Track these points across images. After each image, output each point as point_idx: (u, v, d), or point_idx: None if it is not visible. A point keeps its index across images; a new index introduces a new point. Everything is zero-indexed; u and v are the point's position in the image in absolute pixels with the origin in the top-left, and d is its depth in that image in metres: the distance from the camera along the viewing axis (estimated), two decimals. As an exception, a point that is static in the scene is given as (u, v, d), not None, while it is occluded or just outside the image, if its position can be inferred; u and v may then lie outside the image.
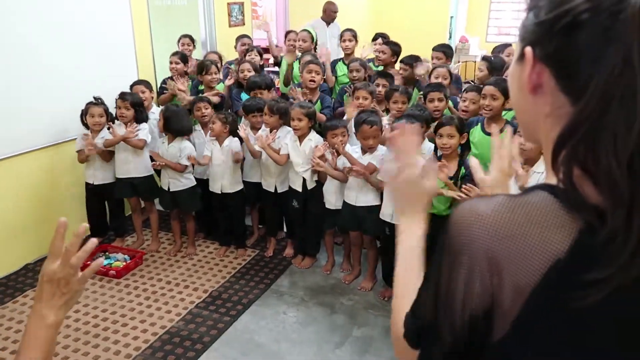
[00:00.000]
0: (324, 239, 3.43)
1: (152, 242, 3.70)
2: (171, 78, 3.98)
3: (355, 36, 4.36)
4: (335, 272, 3.40)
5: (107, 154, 3.48)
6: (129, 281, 3.26)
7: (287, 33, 4.87)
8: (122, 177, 3.52)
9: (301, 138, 3.19)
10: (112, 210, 3.74)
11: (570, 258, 0.57)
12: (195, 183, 3.51)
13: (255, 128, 3.45)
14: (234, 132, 3.39)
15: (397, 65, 4.30)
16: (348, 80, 4.01)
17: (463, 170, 2.58)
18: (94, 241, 0.89)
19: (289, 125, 3.26)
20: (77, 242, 0.88)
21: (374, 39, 4.59)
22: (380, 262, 3.20)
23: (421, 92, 3.50)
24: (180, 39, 4.46)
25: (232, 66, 4.44)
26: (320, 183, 3.23)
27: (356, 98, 3.29)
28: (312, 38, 4.41)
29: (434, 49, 4.11)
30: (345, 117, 3.29)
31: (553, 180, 0.62)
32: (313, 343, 2.71)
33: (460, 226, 0.63)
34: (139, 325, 2.83)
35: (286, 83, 4.19)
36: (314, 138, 3.18)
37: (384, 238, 3.01)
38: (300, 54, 4.40)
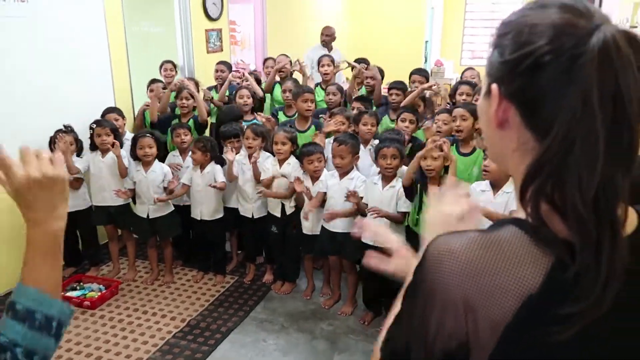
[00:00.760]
0: (303, 264, 3.41)
1: (129, 270, 3.63)
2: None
3: (333, 61, 4.43)
4: (315, 297, 3.37)
5: (76, 182, 3.42)
6: (104, 312, 3.18)
7: (265, 60, 4.92)
8: (98, 205, 3.46)
9: (281, 162, 3.20)
10: (84, 238, 3.66)
11: (542, 293, 0.57)
12: (173, 208, 3.47)
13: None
14: (215, 158, 3.37)
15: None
16: (327, 105, 4.08)
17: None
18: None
19: (267, 149, 3.28)
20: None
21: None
22: (360, 286, 3.18)
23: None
24: (162, 64, 4.47)
25: (212, 92, 4.47)
26: (298, 208, 3.23)
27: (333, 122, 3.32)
28: (291, 62, 4.47)
29: (412, 73, 4.20)
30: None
31: (522, 214, 0.63)
32: (293, 371, 2.67)
33: (432, 262, 0.63)
34: (114, 358, 2.75)
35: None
36: (292, 162, 3.19)
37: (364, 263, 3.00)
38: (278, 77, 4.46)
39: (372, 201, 2.88)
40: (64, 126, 3.39)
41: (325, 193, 3.04)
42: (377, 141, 3.06)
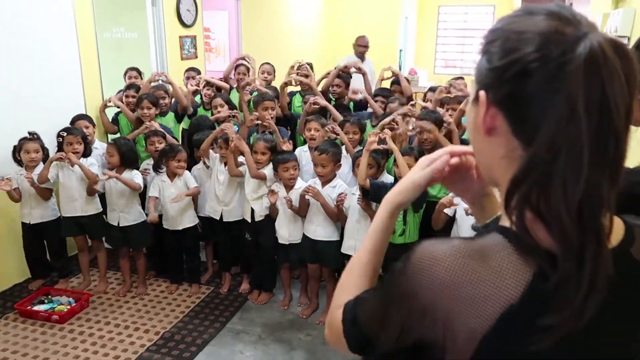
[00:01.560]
0: (280, 274, 3.37)
1: (100, 282, 3.52)
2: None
3: (312, 69, 4.41)
4: (293, 306, 3.33)
5: (46, 192, 3.31)
6: (74, 326, 3.07)
7: (237, 66, 4.85)
8: (67, 216, 3.35)
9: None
10: (52, 250, 3.54)
11: (523, 304, 0.57)
12: (145, 218, 3.39)
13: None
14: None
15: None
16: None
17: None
18: None
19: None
20: None
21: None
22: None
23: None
24: (126, 71, 4.38)
25: None
26: (269, 216, 3.19)
27: (308, 130, 3.30)
28: (274, 70, 4.46)
29: (392, 83, 4.22)
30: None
31: (507, 222, 0.62)
32: (271, 383, 2.62)
33: (416, 267, 0.63)
34: (85, 373, 2.66)
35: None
36: (267, 170, 3.15)
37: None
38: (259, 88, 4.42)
39: (352, 210, 2.87)
40: (29, 133, 3.27)
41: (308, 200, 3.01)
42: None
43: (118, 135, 3.92)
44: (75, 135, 3.27)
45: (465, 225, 2.51)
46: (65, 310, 3.13)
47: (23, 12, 3.47)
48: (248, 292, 3.46)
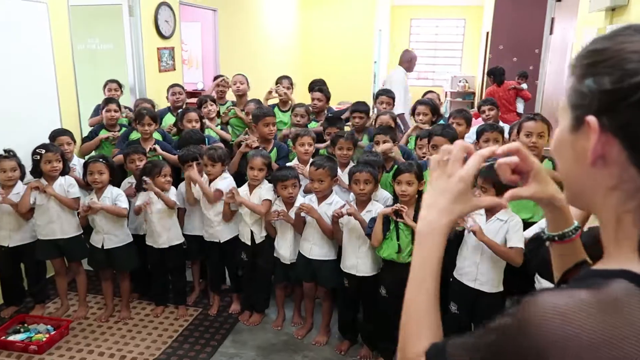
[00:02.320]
0: (274, 293, 3.25)
1: (80, 307, 3.32)
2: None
3: (292, 83, 4.36)
4: (286, 327, 3.21)
5: (28, 213, 3.11)
6: (54, 356, 2.86)
7: (215, 78, 4.77)
8: (45, 239, 3.15)
9: (252, 188, 3.06)
10: (29, 273, 3.32)
11: None
12: (132, 240, 3.22)
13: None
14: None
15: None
16: (285, 125, 4.01)
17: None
18: None
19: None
20: None
21: (311, 89, 4.60)
22: (334, 314, 3.06)
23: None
24: (106, 84, 4.21)
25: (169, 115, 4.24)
26: (269, 237, 3.09)
27: (300, 145, 3.22)
28: (247, 80, 4.36)
29: (379, 94, 4.20)
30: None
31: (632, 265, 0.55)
32: (271, 410, 2.50)
33: (540, 324, 0.54)
34: (69, 408, 2.47)
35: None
36: (264, 186, 3.05)
37: (342, 290, 2.90)
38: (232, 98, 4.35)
39: (347, 227, 2.79)
40: (5, 151, 3.08)
41: (304, 218, 2.92)
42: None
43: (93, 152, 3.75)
44: (54, 153, 3.08)
45: (470, 241, 2.46)
46: (44, 339, 2.93)
47: (-5, 22, 3.28)
48: (239, 313, 3.32)
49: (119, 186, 3.30)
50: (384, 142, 3.10)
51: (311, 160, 2.97)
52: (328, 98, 4.28)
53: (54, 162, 3.04)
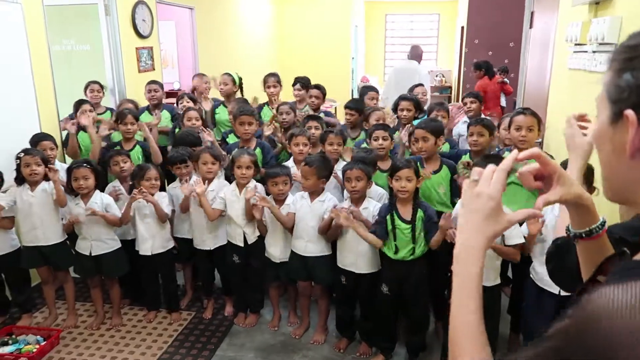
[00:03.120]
0: (268, 293, 3.23)
1: (69, 316, 3.23)
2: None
3: (279, 81, 4.32)
4: (283, 326, 3.20)
5: (9, 221, 3.01)
6: (46, 367, 2.79)
7: (194, 77, 4.69)
8: (29, 246, 3.05)
9: (241, 187, 3.02)
10: (13, 284, 3.21)
11: None
12: (120, 245, 3.14)
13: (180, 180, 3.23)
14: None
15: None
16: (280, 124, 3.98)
17: (421, 213, 2.58)
18: None
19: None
20: None
21: (294, 84, 4.57)
22: (331, 312, 3.06)
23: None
24: (88, 85, 4.10)
25: (146, 114, 4.15)
26: (261, 237, 3.06)
27: (295, 144, 3.20)
28: (234, 81, 4.28)
29: (370, 90, 4.20)
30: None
31: None
32: (274, 411, 2.48)
33: (606, 324, 0.53)
34: (66, 420, 2.41)
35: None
36: (252, 186, 3.02)
37: (340, 287, 2.89)
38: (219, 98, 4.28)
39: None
40: None
41: (294, 214, 2.90)
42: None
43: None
44: (33, 156, 2.98)
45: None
46: (34, 350, 2.84)
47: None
48: (233, 315, 3.29)
49: (102, 190, 3.22)
50: (383, 138, 3.10)
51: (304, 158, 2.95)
52: (324, 95, 4.28)
53: (32, 165, 2.94)
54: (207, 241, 3.19)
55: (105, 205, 3.03)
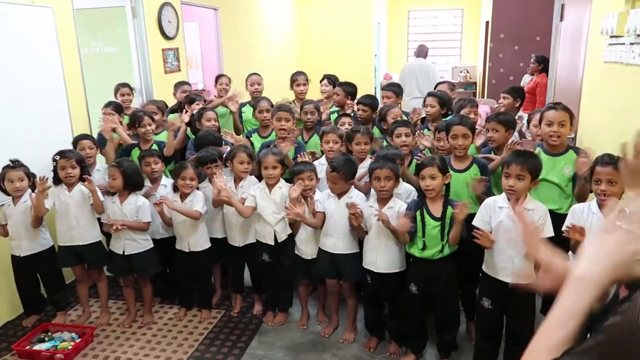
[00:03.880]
0: (297, 291, 3.23)
1: (102, 314, 3.29)
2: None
3: (307, 80, 4.30)
4: (312, 325, 3.20)
5: (37, 220, 3.07)
6: (81, 364, 2.85)
7: (218, 77, 4.70)
8: (64, 245, 3.12)
9: (271, 187, 3.03)
10: (47, 282, 3.28)
11: None
12: (152, 245, 3.18)
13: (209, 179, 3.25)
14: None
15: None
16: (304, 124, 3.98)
17: (450, 210, 2.54)
18: None
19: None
20: None
21: (321, 81, 4.57)
22: (360, 311, 3.05)
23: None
24: (118, 88, 4.17)
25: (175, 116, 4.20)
26: (292, 235, 3.06)
27: (326, 142, 3.19)
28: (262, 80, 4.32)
29: (383, 89, 4.16)
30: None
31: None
32: (306, 410, 2.48)
33: None
34: (102, 416, 2.45)
35: (236, 132, 4.03)
36: (283, 185, 3.03)
37: (366, 286, 2.88)
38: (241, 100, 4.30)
39: (369, 222, 2.76)
40: (11, 161, 3.01)
41: (324, 213, 2.89)
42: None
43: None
44: (68, 159, 3.03)
45: (502, 235, 2.41)
46: (70, 347, 2.90)
47: (3, 31, 3.23)
48: (262, 314, 3.30)
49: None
50: (406, 134, 3.07)
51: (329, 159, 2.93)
52: (347, 93, 4.26)
53: (67, 168, 3.00)
54: (236, 238, 3.21)
55: (138, 207, 3.07)
